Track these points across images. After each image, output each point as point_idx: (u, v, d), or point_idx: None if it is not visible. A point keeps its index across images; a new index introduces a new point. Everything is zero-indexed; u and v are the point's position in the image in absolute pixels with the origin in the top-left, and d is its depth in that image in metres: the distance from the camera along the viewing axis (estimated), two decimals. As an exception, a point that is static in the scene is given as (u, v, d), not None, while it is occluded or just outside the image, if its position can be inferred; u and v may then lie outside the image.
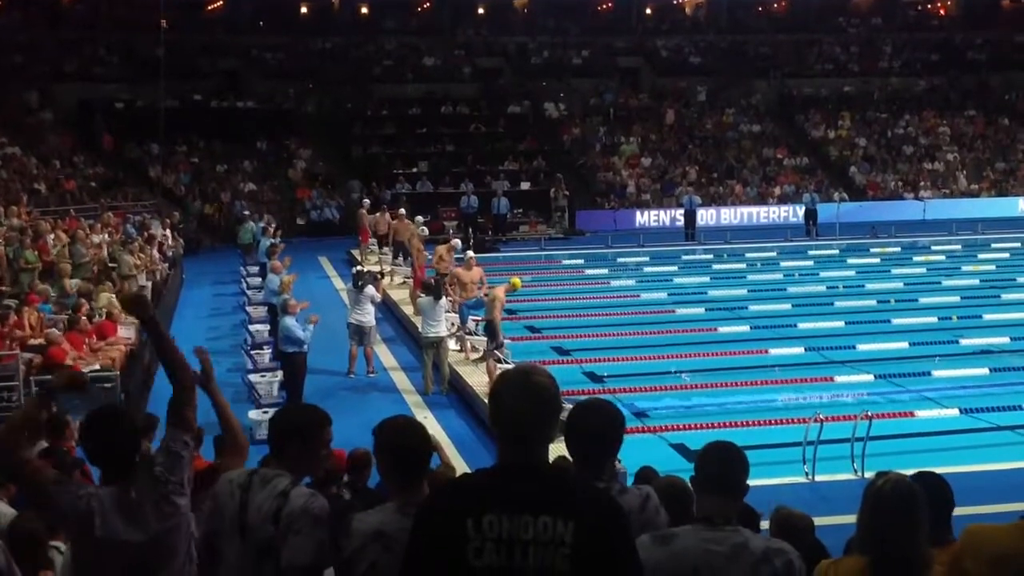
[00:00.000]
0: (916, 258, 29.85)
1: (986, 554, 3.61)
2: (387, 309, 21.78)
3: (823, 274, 27.25)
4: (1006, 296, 23.26)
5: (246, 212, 32.02)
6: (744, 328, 20.45)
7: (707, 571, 3.50)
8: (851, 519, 3.87)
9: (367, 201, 30.41)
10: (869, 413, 12.36)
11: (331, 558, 3.91)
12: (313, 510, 4.00)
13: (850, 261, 29.55)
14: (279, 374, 15.29)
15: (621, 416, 4.08)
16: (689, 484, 5.20)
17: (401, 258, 25.69)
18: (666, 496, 5.02)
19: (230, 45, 42.64)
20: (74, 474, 7.60)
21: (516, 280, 16.88)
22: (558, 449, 3.81)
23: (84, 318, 15.74)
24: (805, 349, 18.37)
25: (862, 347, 18.43)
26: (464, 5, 47.36)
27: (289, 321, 14.72)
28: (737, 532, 3.57)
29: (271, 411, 14.22)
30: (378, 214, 28.25)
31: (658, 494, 5.11)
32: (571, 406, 4.10)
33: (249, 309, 20.84)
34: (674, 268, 28.44)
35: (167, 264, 24.97)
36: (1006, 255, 29.73)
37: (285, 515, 3.99)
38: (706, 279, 26.72)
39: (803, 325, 20.39)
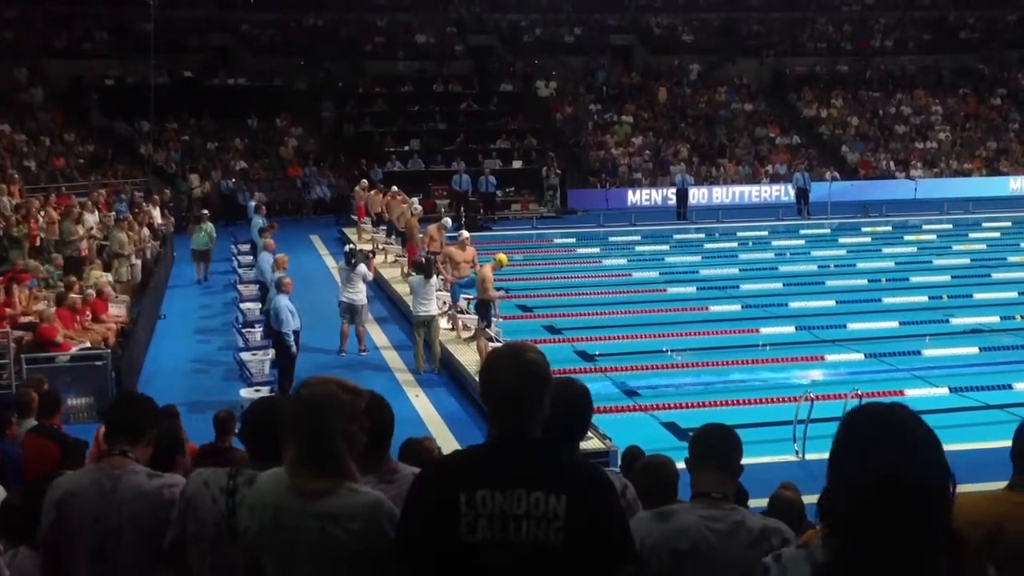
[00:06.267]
0: (907, 237, 29.92)
1: (984, 521, 3.63)
2: (379, 288, 21.76)
3: (814, 253, 27.29)
4: (996, 275, 23.34)
5: (248, 194, 31.82)
6: (735, 307, 20.49)
7: (706, 548, 3.51)
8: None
9: (364, 181, 30.45)
10: (859, 392, 12.38)
11: None
12: None
13: (841, 240, 29.57)
14: (270, 352, 15.26)
15: (573, 394, 3.86)
16: (673, 464, 5.23)
17: (385, 234, 25.78)
18: (648, 474, 5.05)
19: (221, 21, 42.32)
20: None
21: (502, 256, 16.89)
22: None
23: (75, 296, 15.67)
24: (796, 328, 18.42)
25: (853, 326, 18.47)
26: (456, -18, 47.10)
27: (283, 301, 14.67)
28: (735, 510, 3.58)
29: (263, 389, 14.18)
30: (372, 192, 28.33)
31: (640, 472, 5.14)
32: None
33: (240, 287, 20.81)
34: (666, 247, 28.48)
35: (158, 242, 24.89)
36: (997, 234, 29.82)
37: None
38: (698, 258, 26.74)
39: (794, 304, 20.43)
